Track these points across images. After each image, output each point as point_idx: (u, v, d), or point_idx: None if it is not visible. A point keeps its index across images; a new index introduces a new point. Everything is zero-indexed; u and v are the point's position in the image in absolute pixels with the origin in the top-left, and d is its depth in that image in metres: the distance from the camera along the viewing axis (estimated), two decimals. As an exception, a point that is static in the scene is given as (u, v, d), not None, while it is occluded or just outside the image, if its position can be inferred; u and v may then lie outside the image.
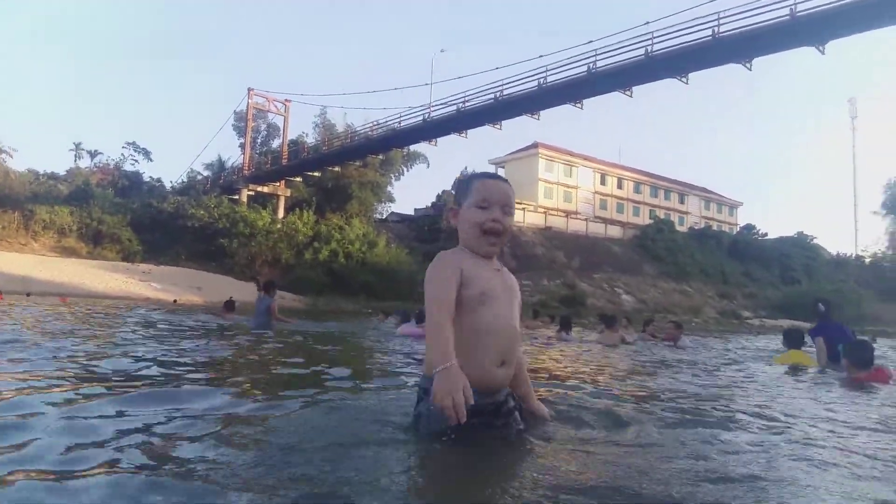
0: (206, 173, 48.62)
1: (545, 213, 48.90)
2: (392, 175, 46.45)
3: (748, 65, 24.39)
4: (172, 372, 3.37)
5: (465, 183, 2.00)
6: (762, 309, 43.92)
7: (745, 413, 2.69)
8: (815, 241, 58.60)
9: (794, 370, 5.61)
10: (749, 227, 58.46)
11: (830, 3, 20.55)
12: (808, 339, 6.69)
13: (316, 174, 42.57)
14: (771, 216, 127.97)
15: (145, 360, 3.80)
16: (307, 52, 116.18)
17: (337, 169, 41.88)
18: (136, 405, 2.22)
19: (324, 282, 32.49)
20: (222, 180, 45.10)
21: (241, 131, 46.45)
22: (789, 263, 52.88)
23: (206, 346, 5.33)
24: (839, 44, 22.77)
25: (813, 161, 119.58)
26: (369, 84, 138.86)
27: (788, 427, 2.37)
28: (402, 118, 36.18)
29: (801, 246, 56.16)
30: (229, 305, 11.28)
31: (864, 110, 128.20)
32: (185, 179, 47.86)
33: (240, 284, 27.11)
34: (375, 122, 38.66)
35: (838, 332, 6.27)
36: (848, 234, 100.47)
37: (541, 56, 31.69)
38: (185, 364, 3.78)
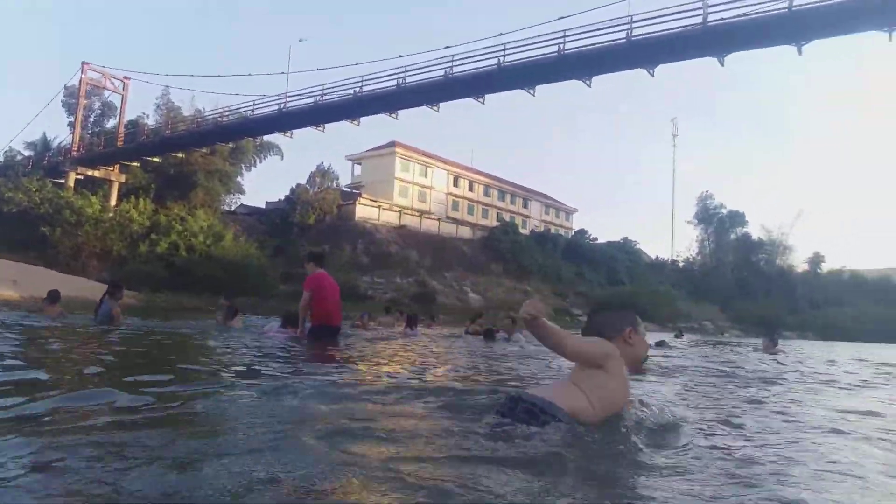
0: (27, 153, 43.21)
1: (400, 211, 49.76)
2: (243, 165, 44.39)
3: (588, 82, 26.51)
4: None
5: (635, 317, 2.40)
6: (591, 307, 48.48)
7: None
8: (637, 245, 65.79)
9: None
10: (582, 232, 63.70)
11: (660, 32, 23.17)
12: None
13: (156, 159, 39.43)
14: (601, 222, 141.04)
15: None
16: (151, 26, 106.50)
17: (181, 155, 39.16)
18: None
19: (162, 276, 30.27)
20: (46, 161, 40.16)
21: (71, 108, 41.71)
22: (615, 266, 58.63)
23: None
24: (668, 67, 25.68)
25: (641, 173, 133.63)
26: (219, 68, 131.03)
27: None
28: (255, 106, 34.85)
29: (625, 250, 62.62)
30: (53, 297, 10.06)
31: (684, 129, 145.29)
32: (3, 159, 42.13)
33: (63, 277, 24.45)
34: (226, 108, 36.91)
35: None
36: (665, 241, 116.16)
37: (400, 56, 32.30)
38: None
